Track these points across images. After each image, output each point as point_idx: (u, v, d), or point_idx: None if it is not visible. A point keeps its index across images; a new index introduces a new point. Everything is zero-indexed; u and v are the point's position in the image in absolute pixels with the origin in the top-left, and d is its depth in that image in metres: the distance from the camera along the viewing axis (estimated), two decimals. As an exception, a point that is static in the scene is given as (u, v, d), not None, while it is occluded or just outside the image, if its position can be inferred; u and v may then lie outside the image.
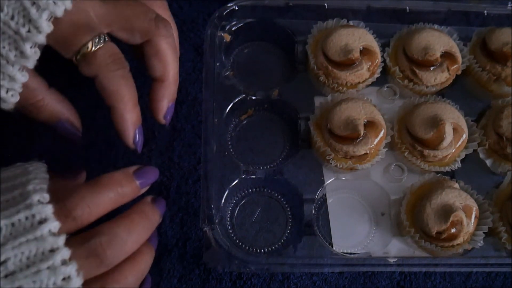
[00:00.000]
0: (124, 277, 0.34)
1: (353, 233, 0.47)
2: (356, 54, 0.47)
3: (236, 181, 0.46)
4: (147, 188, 0.38)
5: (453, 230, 0.43)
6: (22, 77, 0.36)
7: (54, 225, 0.31)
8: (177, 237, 0.45)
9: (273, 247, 0.46)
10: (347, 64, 0.48)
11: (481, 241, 0.44)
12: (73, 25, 0.36)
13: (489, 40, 0.50)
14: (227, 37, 0.51)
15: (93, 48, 0.36)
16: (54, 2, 0.34)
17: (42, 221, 0.31)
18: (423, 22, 0.52)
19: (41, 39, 0.35)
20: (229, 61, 0.52)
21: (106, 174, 0.36)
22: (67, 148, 0.45)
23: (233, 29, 0.51)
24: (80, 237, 0.33)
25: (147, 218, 0.36)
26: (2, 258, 0.30)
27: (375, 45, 0.49)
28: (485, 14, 0.53)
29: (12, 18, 0.34)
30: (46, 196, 0.32)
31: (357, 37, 0.48)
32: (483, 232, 0.44)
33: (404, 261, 0.43)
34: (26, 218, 0.31)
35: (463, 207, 0.43)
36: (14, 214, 0.31)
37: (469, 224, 0.43)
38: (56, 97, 0.39)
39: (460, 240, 0.43)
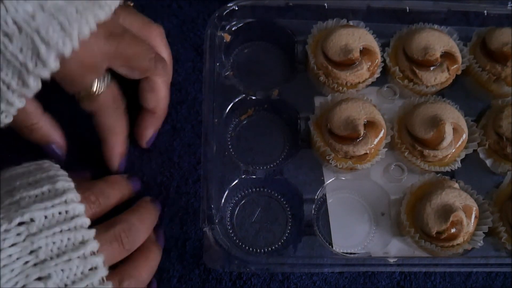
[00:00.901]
0: (139, 273, 0.37)
1: (353, 233, 0.47)
2: (356, 54, 0.47)
3: (236, 181, 0.46)
4: (135, 192, 0.43)
5: (453, 230, 0.43)
6: (20, 103, 0.37)
7: (85, 220, 0.34)
8: (177, 237, 0.45)
9: (273, 247, 0.46)
10: (347, 64, 0.48)
11: (481, 241, 0.44)
12: (81, 65, 0.38)
13: (489, 40, 0.50)
14: (227, 37, 0.51)
15: (99, 89, 0.39)
16: (63, 42, 0.36)
17: (74, 217, 0.34)
18: (423, 22, 0.52)
19: (46, 74, 0.36)
20: (229, 61, 0.52)
21: (110, 175, 0.42)
22: (67, 148, 0.45)
23: (233, 29, 0.51)
24: (102, 226, 0.36)
25: (151, 212, 0.41)
26: (35, 247, 0.32)
27: (375, 45, 0.49)
28: (485, 14, 0.53)
29: (21, 51, 0.35)
30: (78, 196, 0.35)
31: (357, 37, 0.48)
32: (483, 232, 0.44)
33: (404, 261, 0.43)
34: (60, 212, 0.34)
35: (463, 207, 0.43)
36: (49, 208, 0.33)
37: (469, 224, 0.43)
38: (49, 122, 0.42)
39: (460, 240, 0.43)
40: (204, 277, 0.44)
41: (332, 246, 0.45)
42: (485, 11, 0.53)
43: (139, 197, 0.43)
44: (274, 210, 0.47)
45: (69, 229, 0.33)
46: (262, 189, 0.48)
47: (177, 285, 0.44)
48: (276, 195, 0.48)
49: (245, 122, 0.50)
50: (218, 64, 0.49)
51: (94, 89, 0.39)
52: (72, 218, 0.34)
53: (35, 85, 0.36)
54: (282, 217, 0.47)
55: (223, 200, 0.45)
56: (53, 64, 0.36)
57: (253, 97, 0.49)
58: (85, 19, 0.36)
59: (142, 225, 0.38)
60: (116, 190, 0.40)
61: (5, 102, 0.37)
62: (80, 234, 0.33)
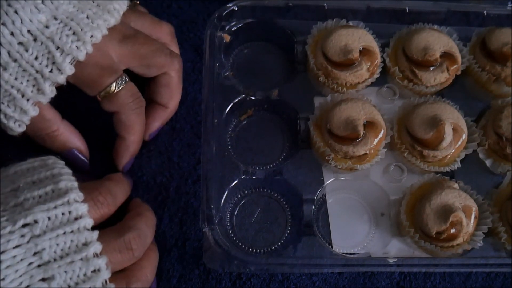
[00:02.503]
0: (144, 274, 0.37)
1: (353, 233, 0.47)
2: (356, 54, 0.47)
3: (236, 181, 0.46)
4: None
5: (452, 230, 0.43)
6: (33, 111, 0.39)
7: (88, 221, 0.34)
8: (176, 237, 0.45)
9: (273, 247, 0.46)
10: (347, 65, 0.48)
11: (481, 241, 0.44)
12: (98, 67, 0.39)
13: (488, 40, 0.50)
14: (227, 38, 0.51)
15: (117, 88, 0.41)
16: (77, 47, 0.38)
17: (77, 217, 0.34)
18: (422, 22, 0.52)
19: (62, 79, 0.38)
20: (228, 61, 0.52)
21: (111, 174, 0.42)
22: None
23: (233, 29, 0.51)
24: (112, 231, 0.36)
25: (153, 215, 0.41)
26: (39, 248, 0.32)
27: (374, 46, 0.49)
28: (485, 14, 0.53)
29: (36, 58, 0.37)
30: (81, 195, 0.35)
31: (356, 38, 0.48)
32: (483, 232, 0.44)
33: (404, 261, 0.43)
34: (63, 213, 0.34)
35: (463, 207, 0.43)
36: (52, 209, 0.33)
37: (469, 224, 0.43)
38: (69, 128, 0.43)
39: (459, 240, 0.43)
40: (204, 277, 0.44)
41: (331, 247, 0.45)
42: (485, 11, 0.53)
43: (132, 197, 0.43)
44: (273, 211, 0.47)
45: (72, 231, 0.33)
46: (261, 189, 0.48)
47: (177, 285, 0.44)
48: (275, 195, 0.48)
49: (244, 122, 0.50)
50: (217, 64, 0.49)
51: (113, 89, 0.40)
52: (76, 219, 0.34)
53: (50, 91, 0.38)
54: (282, 217, 0.47)
55: (222, 201, 0.45)
56: (68, 69, 0.38)
57: (253, 98, 0.49)
58: (96, 25, 0.39)
59: (148, 229, 0.39)
60: (121, 189, 0.40)
61: (19, 111, 0.38)
62: (83, 236, 0.34)
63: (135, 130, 0.43)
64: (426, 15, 0.52)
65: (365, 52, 0.48)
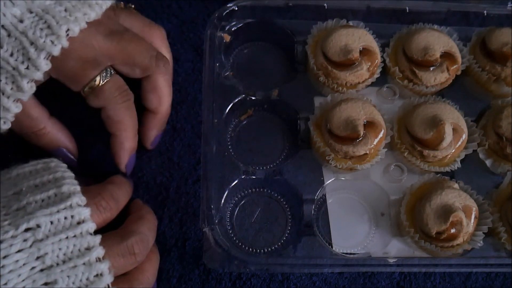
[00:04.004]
0: (146, 277, 0.37)
1: (353, 233, 0.47)
2: (356, 54, 0.47)
3: (236, 181, 0.46)
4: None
5: (452, 230, 0.43)
6: (16, 108, 0.37)
7: (91, 226, 0.34)
8: (176, 237, 0.45)
9: (273, 247, 0.46)
10: (347, 65, 0.48)
11: (481, 241, 0.44)
12: (81, 60, 0.38)
13: (488, 40, 0.50)
14: (227, 38, 0.51)
15: (101, 82, 0.39)
16: (51, 41, 0.36)
17: (80, 222, 0.34)
18: (423, 22, 0.52)
19: (39, 76, 0.37)
20: (228, 61, 0.52)
21: (113, 176, 0.41)
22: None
23: (233, 29, 0.51)
24: (115, 236, 0.36)
25: (155, 217, 0.41)
26: (41, 253, 0.32)
27: (374, 46, 0.49)
28: (485, 14, 0.53)
29: (12, 55, 0.36)
30: (84, 199, 0.35)
31: (356, 38, 0.48)
32: (483, 232, 0.44)
33: (404, 261, 0.43)
34: (65, 218, 0.33)
35: (463, 207, 0.43)
36: (54, 213, 0.33)
37: (469, 224, 0.43)
38: (56, 126, 0.41)
39: (459, 240, 0.43)
40: (204, 278, 0.44)
41: (332, 247, 0.45)
42: (485, 11, 0.53)
43: (132, 197, 0.43)
44: (274, 211, 0.47)
45: (74, 236, 0.33)
46: (262, 189, 0.48)
47: (177, 285, 0.44)
48: (276, 195, 0.48)
49: (244, 122, 0.50)
50: (218, 64, 0.49)
51: (97, 83, 0.39)
52: (78, 223, 0.34)
53: (29, 88, 0.37)
54: (282, 217, 0.47)
55: (222, 201, 0.45)
56: (44, 65, 0.36)
57: (253, 97, 0.49)
58: (74, 18, 0.37)
59: (150, 233, 0.38)
60: (124, 192, 0.39)
61: (1, 109, 0.37)
62: (85, 240, 0.33)
63: (125, 125, 0.41)
64: (426, 15, 0.52)
65: (365, 52, 0.48)
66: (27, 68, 0.36)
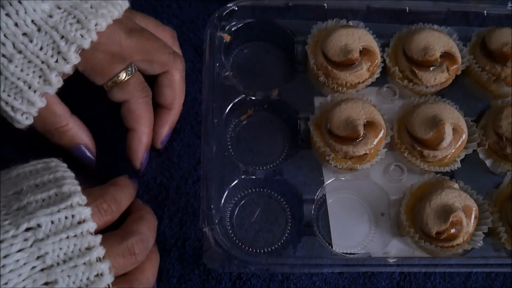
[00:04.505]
0: (146, 277, 0.37)
1: (353, 233, 0.47)
2: (356, 54, 0.47)
3: (236, 181, 0.46)
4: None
5: (452, 230, 0.43)
6: (41, 103, 0.39)
7: (91, 225, 0.34)
8: (176, 237, 0.45)
9: (273, 247, 0.46)
10: (347, 65, 0.48)
11: (481, 241, 0.44)
12: (108, 54, 0.40)
13: (488, 40, 0.50)
14: (227, 38, 0.51)
15: (126, 77, 0.41)
16: (81, 35, 0.38)
17: (81, 221, 0.34)
18: (422, 22, 0.52)
19: (68, 69, 0.38)
20: (228, 61, 0.52)
21: (117, 177, 0.41)
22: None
23: (232, 29, 0.51)
24: (115, 236, 0.36)
25: (155, 217, 0.40)
26: (42, 252, 0.32)
27: (374, 45, 0.49)
28: (485, 14, 0.53)
29: (41, 49, 0.37)
30: (84, 199, 0.35)
31: (356, 38, 0.48)
32: (483, 232, 0.44)
33: (404, 261, 0.43)
34: (66, 217, 0.34)
35: (463, 207, 0.43)
36: (55, 213, 0.33)
37: (469, 224, 0.43)
38: (78, 124, 0.42)
39: (459, 240, 0.43)
40: (204, 278, 0.44)
41: (331, 247, 0.45)
42: (485, 11, 0.53)
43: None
44: (274, 211, 0.47)
45: (75, 235, 0.33)
46: (262, 189, 0.48)
47: (177, 285, 0.44)
48: (276, 195, 0.48)
49: (244, 122, 0.50)
50: (217, 64, 0.49)
51: (122, 77, 0.40)
52: (79, 223, 0.34)
53: (57, 81, 0.38)
54: (282, 217, 0.47)
55: (222, 201, 0.45)
56: (74, 58, 0.38)
57: (253, 97, 0.49)
58: (100, 13, 0.39)
59: (150, 233, 0.38)
60: (126, 194, 0.39)
61: (26, 103, 0.38)
62: (86, 240, 0.34)
63: (145, 120, 0.43)
64: (426, 15, 0.52)
65: (365, 52, 0.48)
66: (57, 61, 0.38)
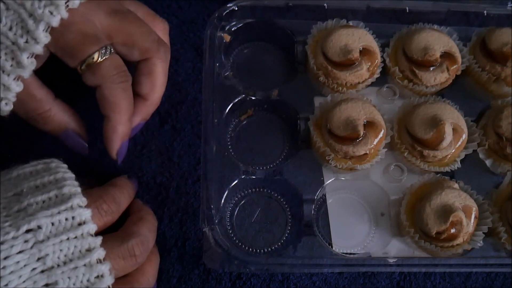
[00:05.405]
0: (146, 279, 0.37)
1: (353, 233, 0.47)
2: (356, 54, 0.47)
3: (236, 181, 0.46)
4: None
5: (452, 230, 0.43)
6: (17, 87, 0.36)
7: (92, 227, 0.34)
8: (176, 237, 0.45)
9: (273, 247, 0.46)
10: (347, 65, 0.48)
11: (481, 241, 0.44)
12: (81, 34, 0.37)
13: (488, 40, 0.50)
14: (227, 38, 0.51)
15: (99, 58, 0.37)
16: (50, 12, 0.35)
17: (81, 223, 0.34)
18: (422, 22, 0.52)
19: (39, 49, 0.36)
20: (228, 61, 0.52)
21: (116, 178, 0.40)
22: (67, 148, 0.46)
23: (232, 29, 0.51)
24: (115, 238, 0.36)
25: (155, 219, 0.40)
26: (42, 254, 0.32)
27: (374, 46, 0.49)
28: (485, 14, 0.53)
29: (10, 29, 0.35)
30: (84, 200, 0.35)
31: (356, 38, 0.48)
32: (483, 232, 0.44)
33: (404, 261, 0.43)
34: (66, 219, 0.33)
35: (463, 207, 0.43)
36: (55, 214, 0.33)
37: (469, 224, 0.43)
38: (62, 107, 0.40)
39: (459, 240, 0.43)
40: (204, 278, 0.44)
41: (331, 247, 0.45)
42: (485, 11, 0.53)
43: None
44: (274, 211, 0.47)
45: (75, 237, 0.33)
46: (261, 189, 0.48)
47: (177, 285, 0.44)
48: (276, 195, 0.48)
49: (244, 122, 0.50)
50: (218, 64, 0.49)
51: (95, 59, 0.37)
52: (79, 224, 0.34)
53: (29, 63, 0.36)
54: (282, 217, 0.47)
55: (222, 201, 0.45)
56: (44, 37, 0.35)
57: (253, 97, 0.49)
58: None
59: (150, 234, 0.38)
60: (125, 194, 0.39)
61: (2, 88, 0.36)
62: (86, 241, 0.33)
63: (120, 107, 0.38)
64: (426, 15, 0.52)
65: (365, 52, 0.48)
66: (27, 41, 0.35)
